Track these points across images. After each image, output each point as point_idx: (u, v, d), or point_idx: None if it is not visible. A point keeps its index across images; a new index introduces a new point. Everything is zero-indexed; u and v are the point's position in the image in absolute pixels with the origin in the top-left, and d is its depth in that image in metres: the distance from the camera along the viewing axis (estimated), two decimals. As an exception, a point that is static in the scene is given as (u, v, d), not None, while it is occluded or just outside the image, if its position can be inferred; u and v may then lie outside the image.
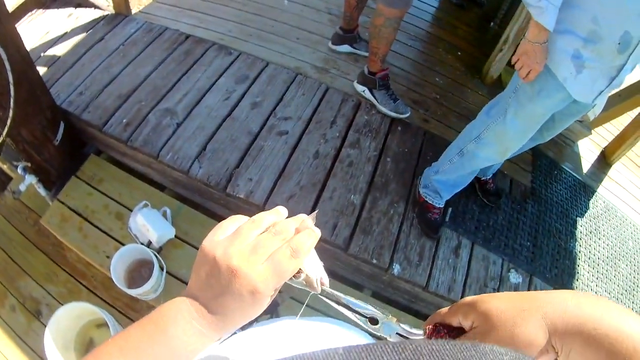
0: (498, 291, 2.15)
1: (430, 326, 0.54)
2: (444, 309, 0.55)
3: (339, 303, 0.54)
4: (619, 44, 1.34)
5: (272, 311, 2.02)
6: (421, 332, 0.54)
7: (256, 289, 0.47)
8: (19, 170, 2.41)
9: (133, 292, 2.03)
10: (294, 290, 2.12)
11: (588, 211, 2.72)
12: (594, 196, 2.83)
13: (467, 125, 2.02)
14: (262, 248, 0.49)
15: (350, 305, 0.54)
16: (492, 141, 1.84)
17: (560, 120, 1.82)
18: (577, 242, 2.52)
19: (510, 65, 2.65)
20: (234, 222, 0.53)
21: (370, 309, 0.54)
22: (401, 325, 0.54)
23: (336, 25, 3.02)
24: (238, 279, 0.47)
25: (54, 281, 2.37)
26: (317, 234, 0.53)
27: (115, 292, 2.16)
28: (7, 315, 2.30)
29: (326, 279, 0.54)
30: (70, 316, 2.03)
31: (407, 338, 0.54)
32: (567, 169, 2.90)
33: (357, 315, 0.53)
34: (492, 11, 3.62)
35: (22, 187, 2.44)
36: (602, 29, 1.35)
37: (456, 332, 0.52)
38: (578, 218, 2.65)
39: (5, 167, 2.81)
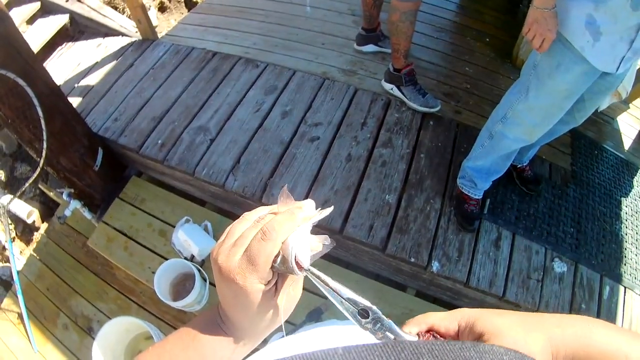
0: (542, 283, 2.10)
1: (424, 332, 0.50)
2: (439, 314, 0.52)
3: (327, 285, 0.48)
4: None
5: (316, 319, 2.04)
6: (414, 335, 0.49)
7: (233, 280, 0.46)
8: (64, 196, 2.54)
9: (177, 305, 2.10)
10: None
11: (632, 190, 2.60)
12: (637, 174, 2.71)
13: (495, 107, 1.98)
14: (242, 239, 0.48)
15: (340, 292, 0.48)
16: (518, 120, 1.80)
17: (590, 99, 1.75)
18: (622, 224, 2.42)
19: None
20: (236, 221, 0.52)
21: (363, 301, 0.47)
22: (393, 325, 0.47)
23: (360, 26, 3.01)
24: (222, 274, 0.47)
25: (104, 299, 2.49)
26: (298, 212, 0.49)
27: (164, 306, 2.23)
28: (61, 333, 2.44)
29: (307, 261, 0.48)
30: (118, 330, 2.13)
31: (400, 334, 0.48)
32: (608, 147, 2.78)
33: (347, 302, 0.47)
34: (520, -8, 3.52)
35: (68, 212, 2.57)
36: None
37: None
38: (622, 198, 2.54)
39: (52, 194, 2.96)
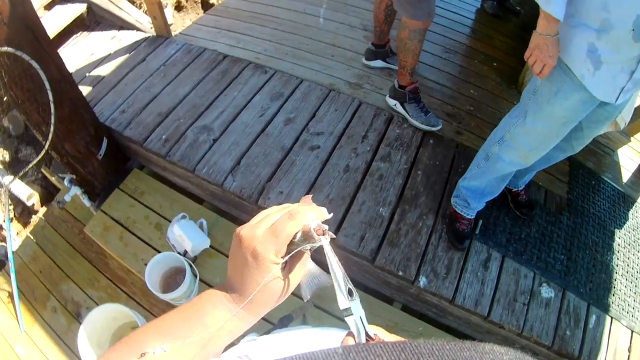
0: (528, 306, 2.12)
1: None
2: None
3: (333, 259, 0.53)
4: (633, 30, 1.29)
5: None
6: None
7: (255, 250, 0.52)
8: (66, 182, 2.58)
9: (165, 297, 2.13)
10: (320, 300, 2.15)
11: (627, 222, 2.62)
12: (633, 207, 2.72)
13: (494, 130, 2.01)
14: (268, 218, 0.55)
15: (341, 271, 0.52)
16: (514, 144, 1.82)
17: (588, 128, 1.77)
18: (614, 255, 2.43)
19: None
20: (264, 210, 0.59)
21: (351, 286, 0.51)
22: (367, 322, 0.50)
23: (370, 42, 3.06)
24: (242, 243, 0.53)
25: (95, 286, 2.52)
26: (319, 209, 0.56)
27: (153, 298, 2.27)
28: (49, 316, 2.47)
29: (326, 226, 0.54)
30: (105, 317, 2.16)
31: (364, 328, 0.50)
32: (606, 179, 2.80)
33: (343, 279, 0.51)
34: (531, 20, 3.55)
35: (67, 198, 2.60)
36: (613, 15, 1.30)
37: None
38: (616, 230, 2.56)
39: (53, 179, 3.00)
